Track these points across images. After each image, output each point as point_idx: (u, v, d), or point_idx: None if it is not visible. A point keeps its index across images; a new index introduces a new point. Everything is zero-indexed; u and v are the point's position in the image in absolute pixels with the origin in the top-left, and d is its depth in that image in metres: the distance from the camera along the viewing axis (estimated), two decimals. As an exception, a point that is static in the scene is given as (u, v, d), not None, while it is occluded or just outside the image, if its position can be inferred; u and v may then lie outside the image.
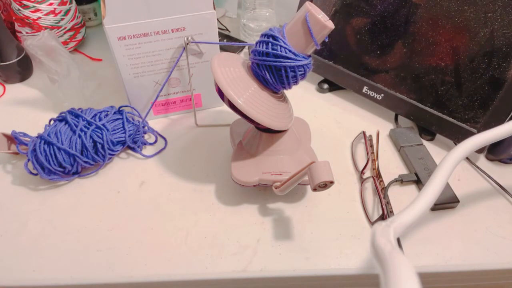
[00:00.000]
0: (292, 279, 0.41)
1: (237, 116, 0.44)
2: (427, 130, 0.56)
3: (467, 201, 0.48)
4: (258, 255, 0.42)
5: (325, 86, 0.64)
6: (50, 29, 0.61)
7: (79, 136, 0.48)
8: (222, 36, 0.75)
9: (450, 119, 0.53)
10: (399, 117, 0.59)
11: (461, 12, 0.49)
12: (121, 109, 0.53)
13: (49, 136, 0.47)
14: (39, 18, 0.64)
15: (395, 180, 0.49)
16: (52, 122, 0.51)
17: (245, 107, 0.39)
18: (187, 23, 0.49)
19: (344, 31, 0.59)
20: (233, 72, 0.40)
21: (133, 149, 0.53)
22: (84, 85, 0.62)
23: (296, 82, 0.40)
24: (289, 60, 0.38)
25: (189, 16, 0.48)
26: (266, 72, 0.39)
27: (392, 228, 0.31)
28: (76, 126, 0.48)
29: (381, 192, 0.48)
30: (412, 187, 0.50)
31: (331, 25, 0.37)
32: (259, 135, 0.45)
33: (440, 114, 0.53)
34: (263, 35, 0.40)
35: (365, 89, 0.59)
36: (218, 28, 0.74)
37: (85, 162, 0.48)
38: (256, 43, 0.40)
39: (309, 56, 0.40)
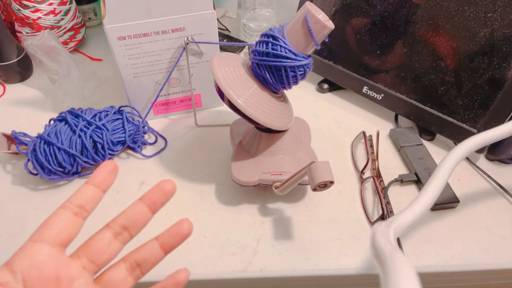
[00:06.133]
0: (292, 279, 0.41)
1: (237, 116, 0.44)
2: (427, 130, 0.56)
3: (467, 201, 0.48)
4: (258, 255, 0.42)
5: (325, 86, 0.64)
6: (50, 29, 0.61)
7: (79, 136, 0.48)
8: (222, 36, 0.75)
9: (450, 119, 0.53)
10: (399, 117, 0.59)
11: (461, 12, 0.49)
12: (121, 109, 0.53)
13: (49, 136, 0.47)
14: (39, 18, 0.64)
15: (395, 180, 0.49)
16: (52, 122, 0.51)
17: (245, 107, 0.39)
18: (187, 23, 0.49)
19: (344, 31, 0.59)
20: (233, 72, 0.40)
21: (133, 149, 0.53)
22: (84, 85, 0.62)
23: (296, 82, 0.40)
24: (289, 60, 0.38)
25: (189, 16, 0.48)
26: (266, 72, 0.39)
27: (392, 228, 0.31)
28: (76, 126, 0.48)
29: (381, 192, 0.48)
30: (412, 187, 0.50)
31: (331, 25, 0.37)
32: (259, 135, 0.45)
33: (440, 114, 0.53)
34: (263, 35, 0.40)
35: (365, 89, 0.59)
36: (218, 28, 0.74)
37: (85, 162, 0.48)
38: (256, 43, 0.40)
39: (309, 56, 0.40)
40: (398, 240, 0.43)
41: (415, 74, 0.54)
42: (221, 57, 0.41)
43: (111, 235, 0.29)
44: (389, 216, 0.45)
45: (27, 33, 0.66)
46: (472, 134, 0.50)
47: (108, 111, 0.52)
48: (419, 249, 0.43)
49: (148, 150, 0.54)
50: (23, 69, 0.65)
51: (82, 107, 0.52)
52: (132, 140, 0.52)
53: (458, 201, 0.47)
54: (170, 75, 0.53)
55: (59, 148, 0.47)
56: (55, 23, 0.66)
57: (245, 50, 0.73)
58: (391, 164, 0.53)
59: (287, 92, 0.46)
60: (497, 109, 0.49)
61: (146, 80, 0.53)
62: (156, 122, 0.58)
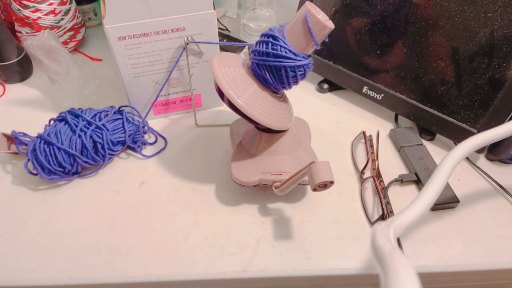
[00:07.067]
0: (292, 279, 0.41)
1: (237, 116, 0.44)
2: (427, 130, 0.56)
3: (467, 201, 0.48)
4: (258, 255, 0.42)
5: (325, 86, 0.64)
6: (50, 29, 0.61)
7: (79, 136, 0.48)
8: (222, 36, 0.75)
9: (450, 119, 0.53)
10: (399, 117, 0.59)
11: (461, 12, 0.49)
12: (121, 109, 0.53)
13: (49, 136, 0.47)
14: (39, 18, 0.64)
15: (395, 180, 0.49)
16: (52, 122, 0.51)
17: (245, 107, 0.39)
18: (187, 23, 0.49)
19: (344, 31, 0.59)
20: (233, 72, 0.40)
21: (133, 149, 0.53)
22: (84, 85, 0.62)
23: (296, 82, 0.40)
24: (289, 60, 0.38)
25: (189, 16, 0.48)
26: (266, 72, 0.39)
27: (392, 228, 0.31)
28: (76, 126, 0.48)
29: (381, 192, 0.48)
30: (412, 187, 0.50)
31: (331, 25, 0.37)
32: (259, 135, 0.45)
33: (440, 114, 0.53)
34: (263, 35, 0.40)
35: (365, 89, 0.59)
36: (218, 28, 0.74)
37: (85, 162, 0.48)
38: (256, 43, 0.40)
39: (309, 56, 0.40)
40: (398, 240, 0.43)
41: (415, 74, 0.54)
42: (221, 57, 0.41)
43: None
44: (389, 216, 0.45)
45: (27, 33, 0.66)
46: (472, 134, 0.50)
47: (108, 111, 0.52)
48: (419, 249, 0.43)
49: (148, 150, 0.54)
50: (23, 69, 0.65)
51: (82, 107, 0.52)
52: (132, 140, 0.52)
53: (458, 201, 0.47)
54: (170, 75, 0.53)
55: (59, 148, 0.47)
56: (55, 23, 0.66)
57: (245, 50, 0.73)
58: (391, 164, 0.53)
59: (287, 92, 0.46)
60: (497, 109, 0.49)
61: (146, 80, 0.53)
62: (156, 122, 0.58)
